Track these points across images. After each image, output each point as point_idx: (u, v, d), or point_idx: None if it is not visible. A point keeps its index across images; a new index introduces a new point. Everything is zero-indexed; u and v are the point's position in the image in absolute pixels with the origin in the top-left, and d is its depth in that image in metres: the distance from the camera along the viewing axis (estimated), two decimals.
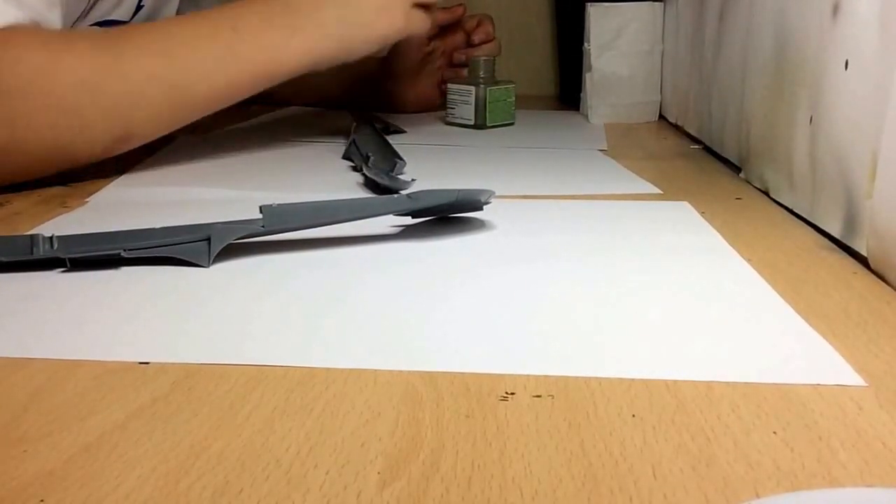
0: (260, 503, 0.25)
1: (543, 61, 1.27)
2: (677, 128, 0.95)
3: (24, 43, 0.59)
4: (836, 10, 0.50)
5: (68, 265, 0.45)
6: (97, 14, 0.75)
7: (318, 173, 0.72)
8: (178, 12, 0.89)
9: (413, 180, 0.64)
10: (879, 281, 0.44)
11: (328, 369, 0.33)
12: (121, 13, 0.78)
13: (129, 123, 0.63)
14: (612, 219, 0.57)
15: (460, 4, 1.01)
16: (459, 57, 1.01)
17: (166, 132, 0.67)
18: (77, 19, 0.73)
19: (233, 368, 0.34)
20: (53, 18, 0.64)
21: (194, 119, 0.68)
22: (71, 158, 0.63)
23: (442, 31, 1.01)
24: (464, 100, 0.93)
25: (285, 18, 0.69)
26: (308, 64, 0.70)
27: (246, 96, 0.69)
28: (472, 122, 0.92)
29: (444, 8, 1.00)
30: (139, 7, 0.80)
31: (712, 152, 0.80)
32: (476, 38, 1.00)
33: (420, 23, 0.76)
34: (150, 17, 0.84)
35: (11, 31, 0.60)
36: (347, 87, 1.04)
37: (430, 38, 1.00)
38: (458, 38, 1.01)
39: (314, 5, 0.70)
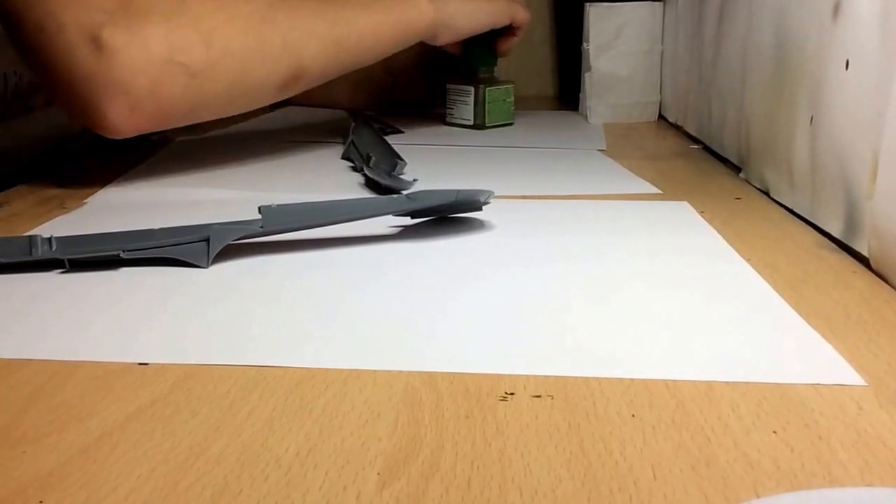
0: (259, 503, 0.25)
1: (543, 61, 1.27)
2: (677, 128, 0.95)
3: None
4: (836, 9, 0.50)
5: (67, 266, 0.45)
6: None
7: (317, 173, 0.72)
8: None
9: (415, 180, 0.64)
10: (880, 281, 0.44)
11: (327, 370, 0.33)
12: None
13: (302, 58, 0.67)
14: (611, 219, 0.57)
15: None
16: (453, 49, 1.01)
17: (331, 75, 0.72)
18: None
19: (232, 369, 0.34)
20: None
21: (352, 67, 0.73)
22: (254, 91, 0.66)
23: None
24: (463, 100, 0.93)
25: None
26: (437, 22, 0.78)
27: (385, 54, 0.76)
28: (471, 123, 0.92)
29: None
30: None
31: (712, 152, 0.80)
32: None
33: (525, 13, 0.88)
34: None
35: None
36: (345, 86, 1.04)
37: None
38: None
39: None
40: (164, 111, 0.61)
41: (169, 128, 0.66)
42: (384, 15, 0.73)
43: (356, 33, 0.71)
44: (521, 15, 0.88)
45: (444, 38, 0.81)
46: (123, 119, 0.59)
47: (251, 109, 0.69)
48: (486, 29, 0.85)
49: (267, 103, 0.69)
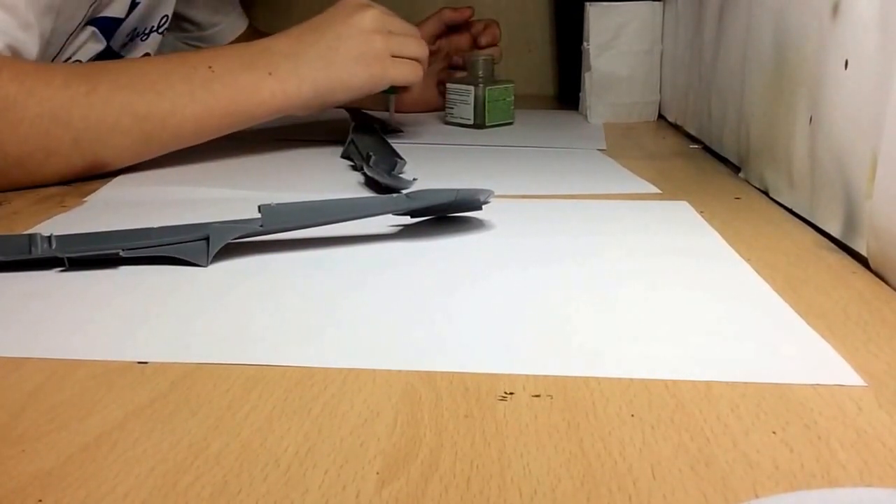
0: (258, 503, 0.25)
1: (543, 61, 1.27)
2: (676, 127, 0.95)
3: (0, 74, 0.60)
4: (835, 9, 0.50)
5: (67, 265, 0.45)
6: (90, 12, 0.75)
7: (316, 173, 0.72)
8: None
9: (415, 179, 0.64)
10: (879, 281, 0.44)
11: (327, 369, 0.33)
12: (116, 10, 0.79)
13: (100, 153, 0.65)
14: (610, 218, 0.57)
15: (468, 6, 1.00)
16: (458, 60, 1.01)
17: (137, 161, 0.68)
18: (78, 24, 0.73)
19: (231, 368, 0.34)
20: (29, 40, 0.65)
21: (165, 152, 0.69)
22: (40, 180, 0.64)
23: (448, 31, 1.01)
24: (463, 99, 0.93)
25: (263, 61, 0.70)
26: (283, 108, 0.71)
27: (218, 135, 0.70)
28: (471, 122, 0.92)
29: (453, 8, 1.00)
30: (134, 5, 0.80)
31: (711, 152, 0.80)
32: (483, 41, 1.00)
33: (405, 72, 0.75)
34: (145, 16, 0.84)
35: None
36: None
37: (436, 37, 1.01)
38: (464, 39, 1.01)
39: (293, 51, 0.71)
40: None
41: None
42: (210, 102, 0.67)
43: (169, 125, 0.66)
44: (402, 75, 0.75)
45: (302, 114, 0.74)
46: None
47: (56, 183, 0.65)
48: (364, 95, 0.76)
49: (73, 180, 0.65)
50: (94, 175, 0.66)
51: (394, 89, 0.78)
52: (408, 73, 0.75)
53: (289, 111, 0.72)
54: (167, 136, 0.67)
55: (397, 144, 0.75)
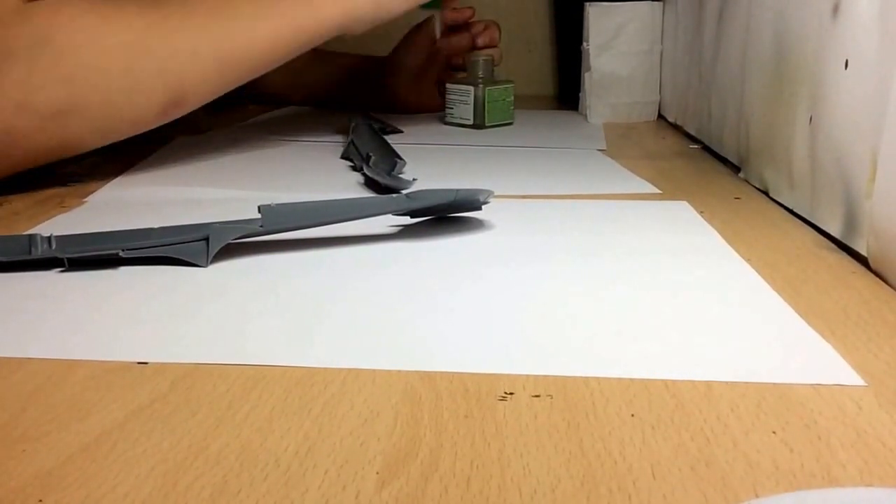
0: (258, 503, 0.25)
1: (542, 61, 1.27)
2: (676, 127, 0.95)
3: (74, 5, 0.60)
4: (835, 9, 0.50)
5: (66, 265, 0.45)
6: None
7: (317, 173, 0.72)
8: None
9: (414, 180, 0.64)
10: (879, 281, 0.44)
11: (327, 369, 0.33)
12: None
13: (182, 84, 0.64)
14: (610, 218, 0.57)
15: (469, 7, 1.00)
16: (457, 61, 1.01)
17: (218, 94, 0.68)
18: None
19: (231, 368, 0.34)
20: None
21: (242, 81, 0.68)
22: (129, 121, 0.63)
23: (448, 31, 1.01)
24: (462, 100, 0.93)
25: None
26: (346, 20, 0.71)
27: (287, 58, 0.70)
28: (470, 122, 0.92)
29: (453, 8, 1.00)
30: None
31: (711, 152, 0.80)
32: (481, 41, 1.00)
33: None
34: None
35: None
36: (346, 85, 1.04)
37: (436, 37, 1.01)
38: (464, 39, 1.01)
39: None
40: (23, 154, 0.60)
41: (37, 166, 0.63)
42: (279, 20, 0.68)
43: (243, 48, 0.66)
44: None
45: (361, 29, 0.74)
46: None
47: (130, 136, 0.65)
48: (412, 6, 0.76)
49: (146, 129, 0.66)
50: (168, 124, 0.66)
51: (436, 2, 0.77)
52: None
53: (352, 25, 0.71)
54: (242, 62, 0.67)
55: (397, 144, 0.75)
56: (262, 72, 0.69)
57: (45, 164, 0.63)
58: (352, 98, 1.03)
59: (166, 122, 0.66)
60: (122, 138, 0.65)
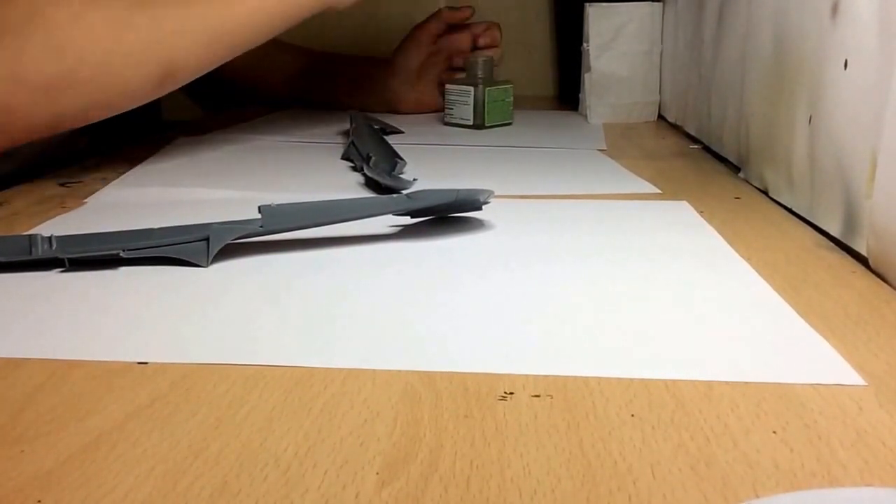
0: (258, 503, 0.25)
1: (542, 61, 1.27)
2: (676, 127, 0.95)
3: None
4: (835, 9, 0.50)
5: (67, 265, 0.45)
6: None
7: (317, 173, 0.72)
8: None
9: (415, 180, 0.64)
10: (879, 280, 0.44)
11: (327, 369, 0.33)
12: None
13: (171, 57, 0.65)
14: (610, 218, 0.57)
15: (469, 6, 1.00)
16: (458, 61, 1.01)
17: (210, 67, 0.68)
18: None
19: (231, 368, 0.34)
20: None
21: (234, 54, 0.69)
22: (124, 94, 0.64)
23: (448, 31, 1.01)
24: (462, 100, 0.93)
25: None
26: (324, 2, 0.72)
27: (278, 30, 0.71)
28: (470, 123, 0.92)
29: (453, 8, 1.00)
30: None
31: (711, 152, 0.80)
32: (482, 41, 1.00)
33: None
34: None
35: None
36: (346, 87, 1.04)
37: (436, 37, 1.01)
38: (464, 39, 1.01)
39: None
40: (19, 128, 0.61)
41: (32, 140, 0.64)
42: None
43: (231, 22, 0.67)
44: None
45: (346, 3, 0.76)
46: None
47: (129, 109, 0.66)
48: None
49: (143, 102, 0.66)
50: (164, 95, 0.66)
51: None
52: None
53: (322, 8, 0.73)
54: (231, 34, 0.67)
55: (397, 145, 0.75)
56: (253, 45, 0.70)
57: (46, 136, 0.64)
58: (352, 98, 1.03)
59: (162, 94, 0.66)
60: (121, 111, 0.65)
